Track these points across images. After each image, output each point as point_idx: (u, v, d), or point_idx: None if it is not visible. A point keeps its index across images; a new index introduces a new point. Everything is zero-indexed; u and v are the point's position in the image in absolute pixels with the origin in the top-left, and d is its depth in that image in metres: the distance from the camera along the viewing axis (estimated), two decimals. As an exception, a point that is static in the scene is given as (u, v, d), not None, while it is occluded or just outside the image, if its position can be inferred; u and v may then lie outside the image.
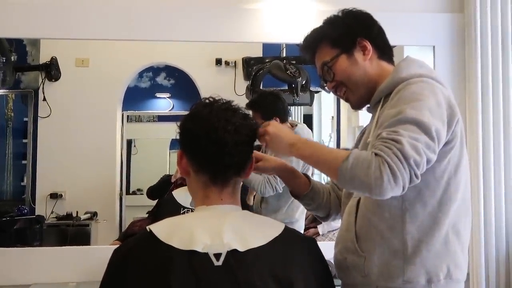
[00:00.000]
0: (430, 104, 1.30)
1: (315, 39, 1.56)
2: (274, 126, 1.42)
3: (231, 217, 1.29)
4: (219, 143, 1.28)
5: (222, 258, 1.20)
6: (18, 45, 3.67)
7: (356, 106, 1.57)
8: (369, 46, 1.51)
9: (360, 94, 1.52)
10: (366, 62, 1.51)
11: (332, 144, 4.41)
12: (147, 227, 1.27)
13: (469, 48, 2.85)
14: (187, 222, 1.31)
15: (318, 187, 1.68)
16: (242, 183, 1.42)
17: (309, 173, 2.87)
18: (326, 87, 1.59)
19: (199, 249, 1.20)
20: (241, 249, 1.22)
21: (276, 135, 1.41)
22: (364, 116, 1.75)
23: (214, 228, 1.24)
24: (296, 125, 3.06)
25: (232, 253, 1.21)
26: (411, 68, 1.45)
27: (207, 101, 1.35)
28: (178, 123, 1.36)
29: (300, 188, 1.67)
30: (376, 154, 1.22)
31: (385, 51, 1.55)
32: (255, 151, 1.46)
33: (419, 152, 1.22)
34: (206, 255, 1.20)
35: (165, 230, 1.25)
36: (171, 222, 1.31)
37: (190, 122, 1.34)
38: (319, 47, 1.55)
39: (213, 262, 1.20)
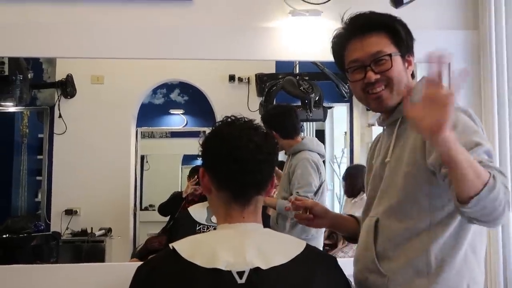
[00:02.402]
0: (484, 135, 1.34)
1: (390, 20, 1.49)
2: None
3: (254, 235, 1.30)
4: (241, 162, 1.29)
5: (245, 276, 1.21)
6: (34, 63, 3.73)
7: (381, 108, 1.52)
8: (413, 62, 1.52)
9: (396, 100, 1.48)
10: (408, 75, 1.51)
11: (346, 160, 4.42)
12: (170, 245, 1.28)
13: (484, 65, 2.85)
14: (210, 240, 1.32)
15: None
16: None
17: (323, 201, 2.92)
18: (361, 76, 1.47)
19: (223, 267, 1.21)
20: (264, 267, 1.22)
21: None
22: (377, 133, 1.73)
23: (236, 246, 1.25)
24: (303, 138, 3.07)
25: (255, 271, 1.21)
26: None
27: (229, 119, 1.36)
28: (200, 141, 1.37)
29: (351, 230, 1.69)
30: (505, 186, 1.20)
31: (413, 71, 1.56)
32: (310, 206, 1.61)
33: None
34: (229, 273, 1.21)
35: (188, 248, 1.26)
36: (194, 240, 1.32)
37: (212, 140, 1.35)
38: (383, 32, 1.47)
39: (237, 280, 1.20)
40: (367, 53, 1.46)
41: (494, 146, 2.77)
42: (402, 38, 1.48)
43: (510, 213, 1.24)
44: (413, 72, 1.54)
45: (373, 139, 1.76)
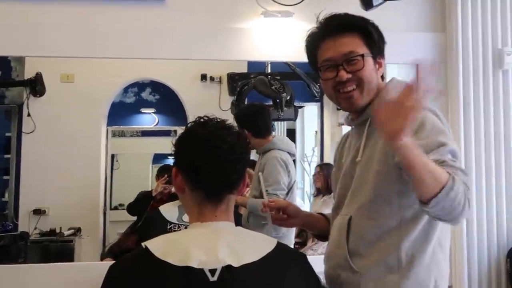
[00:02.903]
0: (450, 135, 1.39)
1: (363, 22, 1.53)
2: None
3: (226, 234, 1.32)
4: (215, 162, 1.30)
5: (217, 274, 1.22)
6: (2, 61, 3.66)
7: (351, 108, 1.55)
8: (383, 64, 1.56)
9: (366, 100, 1.51)
10: (378, 76, 1.54)
11: (316, 159, 4.47)
12: (143, 244, 1.28)
13: (451, 66, 2.93)
14: (182, 238, 1.33)
15: None
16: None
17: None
18: (333, 74, 1.49)
19: (195, 265, 1.22)
20: (235, 264, 1.24)
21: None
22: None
23: (209, 245, 1.27)
24: (273, 137, 3.09)
25: (227, 269, 1.23)
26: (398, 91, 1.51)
27: (201, 120, 1.37)
28: (173, 141, 1.38)
29: (322, 229, 1.72)
30: (465, 185, 1.25)
31: (382, 73, 1.60)
32: (284, 205, 1.65)
33: None
34: (201, 271, 1.22)
35: (161, 247, 1.27)
36: (166, 239, 1.33)
37: (186, 140, 1.36)
38: (357, 33, 1.50)
39: (209, 278, 1.22)
40: (340, 52, 1.49)
41: (460, 144, 2.86)
42: (375, 40, 1.52)
43: (470, 210, 1.29)
44: (383, 74, 1.57)
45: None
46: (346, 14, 1.54)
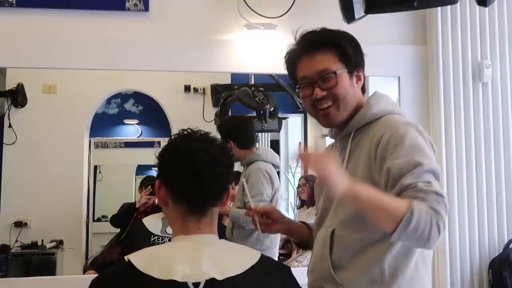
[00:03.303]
0: (429, 152, 1.40)
1: (338, 37, 1.54)
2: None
3: (209, 246, 1.32)
4: (197, 174, 1.31)
5: (201, 287, 1.22)
6: (-17, 71, 3.62)
7: (331, 124, 1.58)
8: (362, 77, 1.57)
9: (343, 116, 1.53)
10: (356, 90, 1.56)
11: (300, 170, 4.47)
12: (126, 257, 1.28)
13: (432, 78, 2.98)
14: (166, 251, 1.33)
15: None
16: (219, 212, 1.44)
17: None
18: (309, 92, 1.52)
19: (178, 278, 1.22)
20: (219, 277, 1.24)
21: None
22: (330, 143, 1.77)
23: (192, 257, 1.27)
24: (258, 148, 3.10)
25: (211, 282, 1.23)
26: (380, 105, 1.53)
27: (185, 132, 1.37)
28: (157, 153, 1.38)
29: (304, 237, 1.73)
30: (434, 210, 1.26)
31: (364, 85, 1.61)
32: (270, 210, 1.67)
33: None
34: (185, 284, 1.22)
35: (144, 260, 1.26)
36: (150, 252, 1.33)
37: (169, 153, 1.36)
38: (332, 48, 1.52)
39: (192, 292, 1.22)
40: (315, 70, 1.51)
41: (441, 156, 2.89)
42: (349, 55, 1.52)
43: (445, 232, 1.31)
44: (364, 86, 1.59)
45: (327, 149, 1.80)
46: (322, 30, 1.56)
